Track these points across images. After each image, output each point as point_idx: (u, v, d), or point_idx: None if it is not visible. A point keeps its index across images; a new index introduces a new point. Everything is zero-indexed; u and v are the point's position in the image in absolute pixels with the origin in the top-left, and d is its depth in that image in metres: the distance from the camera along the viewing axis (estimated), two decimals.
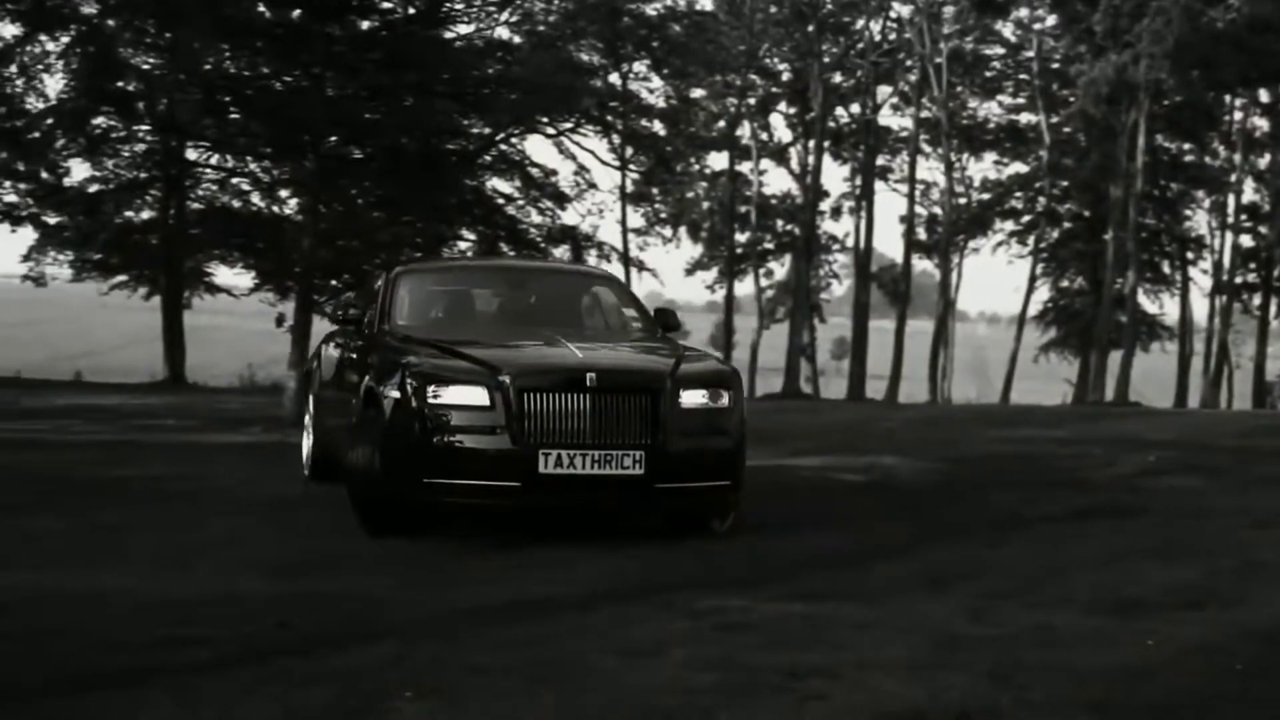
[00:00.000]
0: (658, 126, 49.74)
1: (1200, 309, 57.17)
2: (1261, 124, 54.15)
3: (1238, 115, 53.76)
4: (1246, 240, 54.81)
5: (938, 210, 55.61)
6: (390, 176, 37.87)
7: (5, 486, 12.19)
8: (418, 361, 9.66)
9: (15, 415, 20.94)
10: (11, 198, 37.55)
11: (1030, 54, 52.97)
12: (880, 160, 56.22)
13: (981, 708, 5.68)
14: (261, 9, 37.87)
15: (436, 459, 9.28)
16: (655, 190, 51.65)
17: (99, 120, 37.82)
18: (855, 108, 55.95)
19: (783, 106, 56.79)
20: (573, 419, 9.25)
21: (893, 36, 54.23)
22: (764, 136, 56.39)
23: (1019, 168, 56.37)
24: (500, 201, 43.69)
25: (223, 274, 42.48)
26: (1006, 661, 6.38)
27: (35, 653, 6.37)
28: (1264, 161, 54.42)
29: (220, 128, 38.37)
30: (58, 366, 45.64)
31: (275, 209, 40.81)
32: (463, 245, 42.05)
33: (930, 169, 59.01)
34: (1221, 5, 46.12)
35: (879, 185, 56.37)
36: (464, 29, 42.78)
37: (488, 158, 43.49)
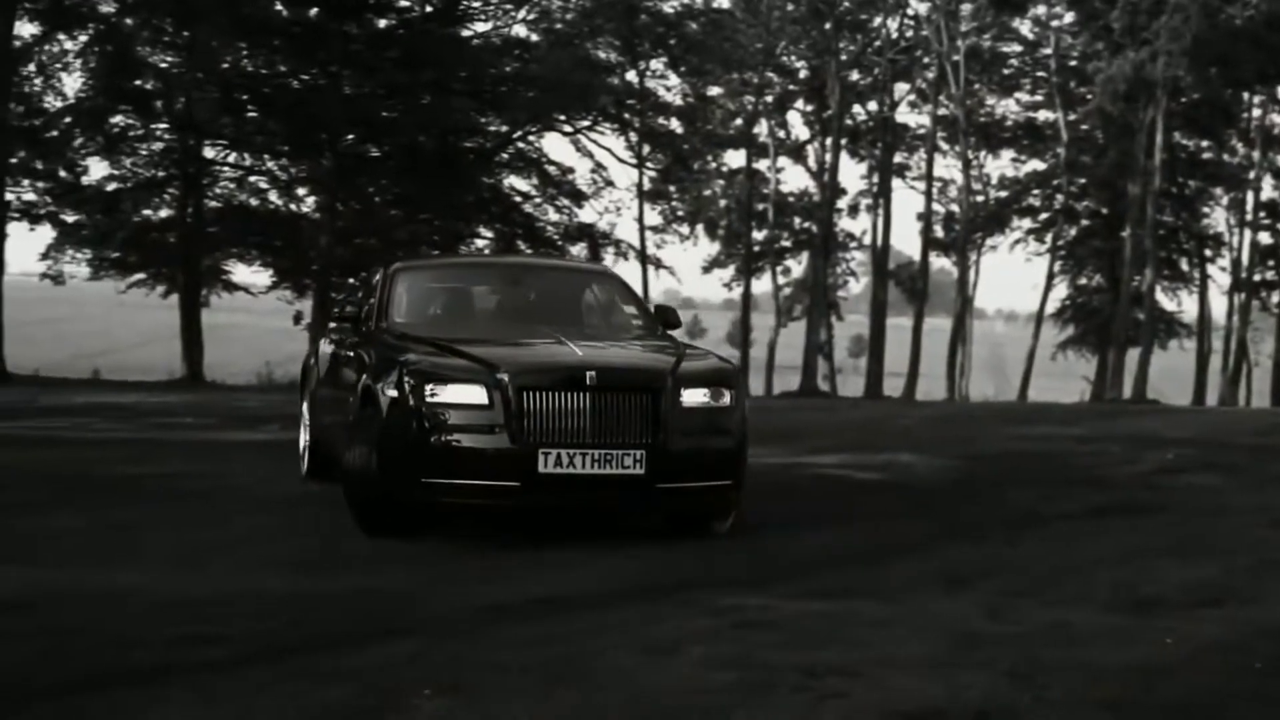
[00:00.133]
0: (675, 124, 49.78)
1: (1219, 306, 57.14)
2: None
3: (1256, 112, 53.58)
4: (1265, 237, 54.68)
5: (955, 208, 55.53)
6: (407, 174, 37.99)
7: (25, 484, 12.22)
8: (415, 359, 9.53)
9: (34, 413, 20.99)
10: (30, 196, 37.72)
11: (1048, 51, 52.90)
12: (898, 158, 56.13)
13: (1000, 706, 5.67)
14: (279, 7, 38.03)
15: (434, 458, 9.15)
16: (672, 188, 51.66)
17: (117, 119, 37.98)
18: (873, 105, 55.88)
19: (800, 104, 56.76)
20: (572, 418, 9.12)
21: (910, 34, 54.12)
22: (781, 134, 56.36)
23: (1037, 165, 56.29)
24: (517, 199, 43.80)
25: (240, 272, 42.73)
26: (1025, 659, 6.37)
27: (55, 650, 6.38)
28: None
29: (238, 126, 38.50)
30: (76, 365, 45.76)
31: (293, 207, 40.96)
32: (480, 243, 42.15)
33: (948, 166, 59.05)
34: (1239, 2, 46.02)
35: (896, 183, 56.31)
36: (481, 27, 42.93)
37: (505, 155, 43.59)
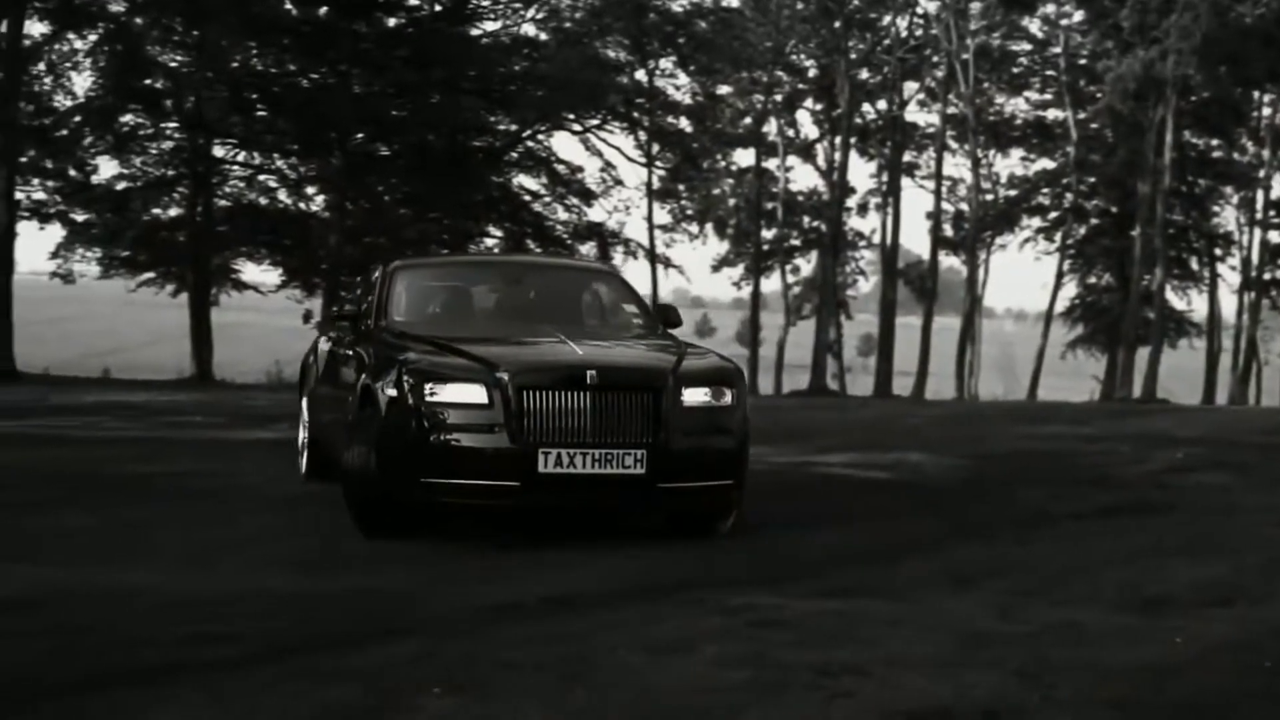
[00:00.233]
0: (684, 123, 49.79)
1: (1228, 305, 57.01)
2: None
3: (1266, 111, 53.46)
4: (1275, 236, 54.53)
5: (964, 206, 55.50)
6: (417, 173, 38.03)
7: (35, 483, 12.24)
8: (415, 358, 9.45)
9: (44, 412, 21.02)
10: (40, 195, 37.82)
11: (1057, 50, 52.83)
12: (907, 156, 56.06)
13: (1009, 705, 5.67)
14: (288, 7, 38.11)
15: (434, 458, 9.08)
16: (681, 187, 51.69)
17: (127, 118, 38.05)
18: (882, 104, 55.84)
19: (809, 103, 56.70)
20: (573, 417, 9.05)
21: (919, 32, 54.08)
22: (790, 133, 56.29)
23: (1046, 164, 56.19)
24: (526, 198, 43.83)
25: (250, 271, 42.69)
26: (1033, 659, 6.36)
27: (63, 649, 6.39)
28: None
29: (247, 125, 38.57)
30: (86, 363, 45.88)
31: (302, 206, 41.03)
32: (489, 242, 42.18)
33: (957, 165, 58.83)
34: (1249, 0, 45.94)
35: (905, 182, 56.23)
36: (490, 25, 42.96)
37: (514, 154, 43.63)
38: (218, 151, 39.34)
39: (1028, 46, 55.28)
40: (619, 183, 46.83)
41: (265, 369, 38.93)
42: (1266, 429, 22.04)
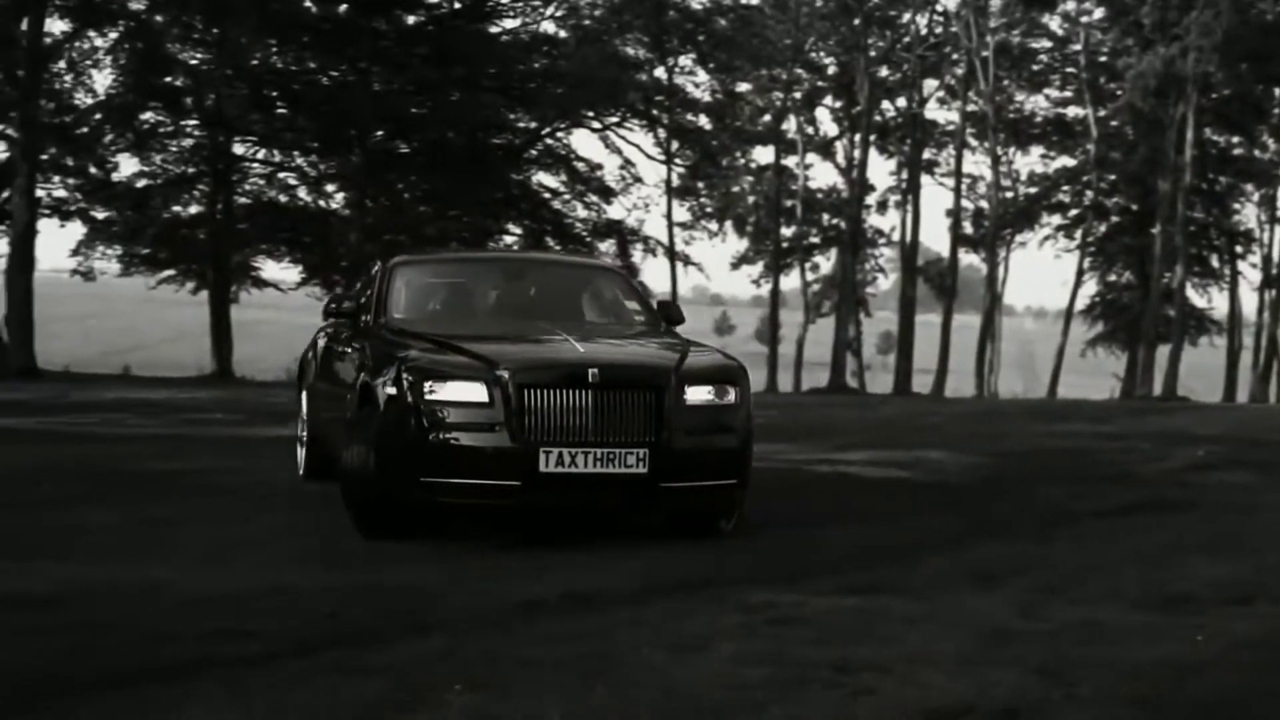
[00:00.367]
0: (703, 120, 49.84)
1: (1249, 303, 56.83)
2: None
3: None
4: None
5: (984, 204, 55.45)
6: (436, 171, 38.08)
7: (57, 479, 12.27)
8: (414, 356, 9.34)
9: (65, 409, 21.09)
10: (61, 193, 37.94)
11: (1078, 47, 52.74)
12: (926, 154, 56.01)
13: (1030, 703, 5.67)
14: (308, 4, 38.13)
15: (434, 457, 8.97)
16: (701, 184, 51.73)
17: (147, 115, 38.15)
18: (901, 101, 55.78)
19: (829, 100, 56.65)
20: (574, 416, 8.93)
21: (939, 30, 54.05)
22: (810, 130, 56.26)
23: (1066, 161, 56.12)
24: (546, 196, 43.86)
25: (270, 268, 42.79)
26: (1054, 657, 6.36)
27: (89, 645, 6.40)
28: None
29: (267, 122, 38.65)
30: (106, 360, 46.03)
31: (322, 203, 41.11)
32: (508, 239, 42.24)
33: (977, 163, 58.93)
34: None
35: (925, 179, 56.18)
36: (510, 23, 43.00)
37: (533, 152, 43.66)
38: (238, 149, 39.44)
39: (1048, 44, 55.24)
40: (638, 180, 46.91)
41: (285, 366, 38.89)
42: None
